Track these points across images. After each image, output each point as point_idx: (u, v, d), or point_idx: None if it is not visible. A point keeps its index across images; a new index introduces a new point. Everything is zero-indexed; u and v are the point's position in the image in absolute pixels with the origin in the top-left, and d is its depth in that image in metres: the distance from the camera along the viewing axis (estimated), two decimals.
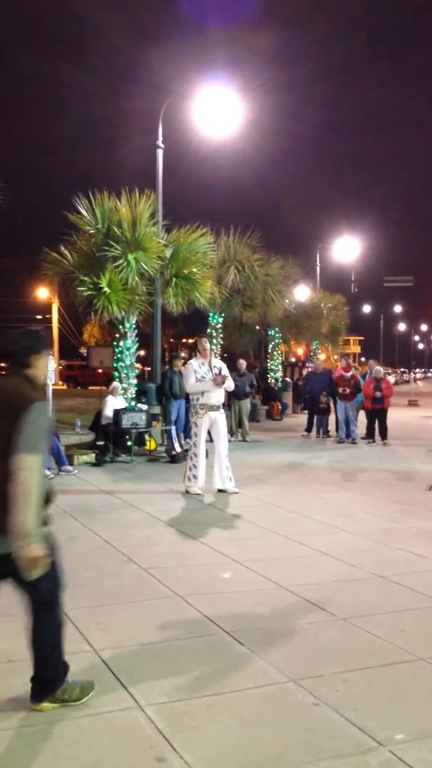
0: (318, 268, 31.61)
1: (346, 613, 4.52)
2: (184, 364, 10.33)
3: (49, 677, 3.15)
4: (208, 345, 9.01)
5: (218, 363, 9.04)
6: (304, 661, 3.78)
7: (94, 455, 11.25)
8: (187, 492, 8.66)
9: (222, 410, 9.02)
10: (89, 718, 3.13)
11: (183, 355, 20.37)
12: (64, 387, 40.10)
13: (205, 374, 8.72)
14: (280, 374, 24.05)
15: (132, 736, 2.98)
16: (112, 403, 12.04)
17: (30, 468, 2.89)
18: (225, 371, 8.91)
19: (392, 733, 3.04)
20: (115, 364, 13.14)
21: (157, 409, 13.33)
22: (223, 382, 8.72)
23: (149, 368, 17.61)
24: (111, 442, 11.53)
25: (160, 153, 15.30)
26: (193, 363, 8.85)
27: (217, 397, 8.82)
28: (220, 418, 8.89)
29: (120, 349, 13.04)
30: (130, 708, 3.23)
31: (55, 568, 3.15)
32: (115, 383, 12.61)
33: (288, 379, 24.97)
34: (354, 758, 2.85)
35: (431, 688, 3.50)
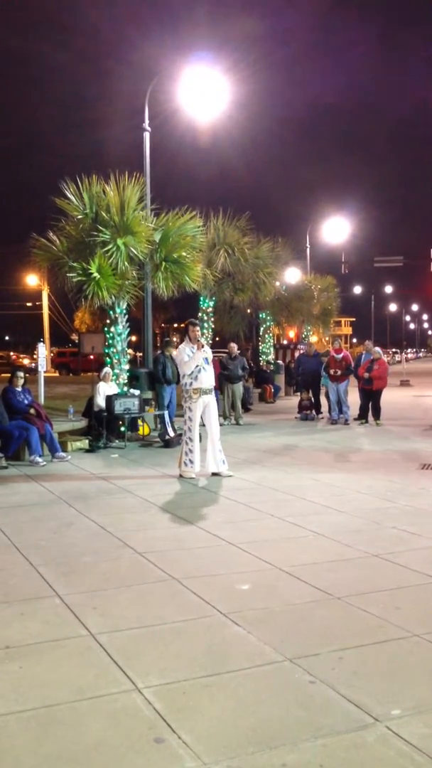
0: (308, 250, 31.55)
1: (341, 592, 4.55)
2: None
3: None
4: (199, 332, 9.04)
5: (206, 349, 9.06)
6: (299, 641, 3.80)
7: (87, 441, 11.24)
8: (181, 476, 8.68)
9: (213, 393, 9.04)
10: (87, 702, 3.15)
11: (175, 340, 20.33)
12: (57, 374, 40.01)
13: (197, 359, 8.74)
14: (272, 357, 24.05)
15: (130, 718, 3.00)
16: (104, 390, 12.00)
17: None
18: (209, 357, 8.94)
19: (388, 709, 3.07)
20: (106, 350, 13.09)
21: (149, 395, 13.33)
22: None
23: (140, 354, 17.55)
24: (104, 428, 11.52)
25: (147, 136, 15.18)
26: (186, 348, 8.85)
27: (210, 380, 8.86)
28: (212, 401, 8.92)
29: (111, 334, 12.99)
30: (128, 690, 3.25)
31: None
32: (107, 369, 12.57)
33: (280, 361, 24.99)
34: (351, 734, 2.88)
35: (426, 664, 3.54)
